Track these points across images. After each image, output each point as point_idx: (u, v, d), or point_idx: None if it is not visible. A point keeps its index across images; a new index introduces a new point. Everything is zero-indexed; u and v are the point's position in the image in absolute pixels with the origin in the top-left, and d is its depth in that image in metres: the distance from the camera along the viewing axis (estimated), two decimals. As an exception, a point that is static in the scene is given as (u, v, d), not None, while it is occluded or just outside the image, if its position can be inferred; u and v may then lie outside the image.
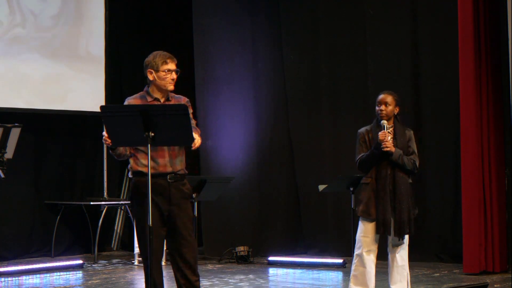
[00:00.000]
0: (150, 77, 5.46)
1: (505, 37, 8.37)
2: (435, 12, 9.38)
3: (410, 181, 6.38)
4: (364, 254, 6.34)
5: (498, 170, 8.53)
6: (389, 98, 6.35)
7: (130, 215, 10.33)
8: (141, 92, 5.53)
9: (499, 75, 8.58)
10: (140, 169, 5.42)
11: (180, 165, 5.47)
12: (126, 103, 5.49)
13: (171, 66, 5.44)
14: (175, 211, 5.42)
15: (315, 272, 9.03)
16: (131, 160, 5.47)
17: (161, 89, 5.47)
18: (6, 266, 8.99)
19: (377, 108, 6.37)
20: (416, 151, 6.43)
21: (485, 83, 8.47)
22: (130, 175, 5.53)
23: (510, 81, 8.24)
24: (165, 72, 5.42)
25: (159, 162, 5.36)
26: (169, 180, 5.40)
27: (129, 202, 10.23)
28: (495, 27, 8.56)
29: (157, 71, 5.43)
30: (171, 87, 5.46)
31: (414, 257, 8.81)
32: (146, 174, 5.32)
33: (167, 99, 5.51)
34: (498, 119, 8.55)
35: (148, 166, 5.07)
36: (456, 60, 8.56)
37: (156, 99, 5.46)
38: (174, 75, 5.45)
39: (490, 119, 8.50)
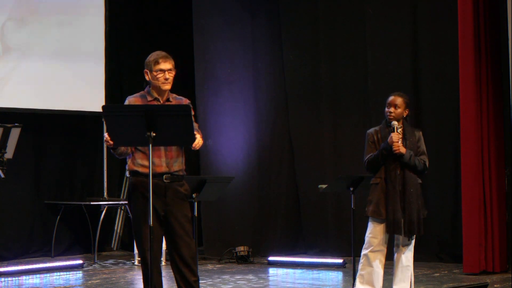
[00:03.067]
0: (147, 78, 5.51)
1: (505, 37, 8.36)
2: (435, 12, 9.38)
3: (420, 181, 6.38)
4: (372, 254, 6.33)
5: (498, 170, 8.53)
6: (399, 100, 6.34)
7: (130, 214, 10.33)
8: (142, 92, 5.56)
9: (499, 75, 8.58)
10: (136, 168, 5.43)
11: (177, 166, 5.47)
12: (127, 102, 5.51)
13: (163, 66, 5.45)
14: (171, 212, 5.42)
15: (315, 272, 9.03)
16: (128, 160, 5.49)
17: (159, 89, 5.48)
18: (6, 266, 8.99)
19: (386, 109, 6.35)
20: (425, 151, 6.43)
21: (485, 83, 8.47)
22: (127, 175, 5.55)
23: (510, 81, 8.24)
24: (157, 72, 5.44)
25: (155, 162, 5.35)
26: (165, 181, 5.40)
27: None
28: (495, 27, 8.56)
29: (151, 71, 5.47)
30: (165, 86, 5.47)
31: (414, 257, 8.81)
32: (142, 174, 5.37)
33: (168, 100, 5.52)
34: (498, 119, 8.55)
35: (149, 167, 5.08)
36: (456, 60, 8.56)
37: (156, 99, 5.49)
38: (167, 75, 5.45)
39: (490, 119, 8.50)
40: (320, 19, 10.24)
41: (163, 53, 5.51)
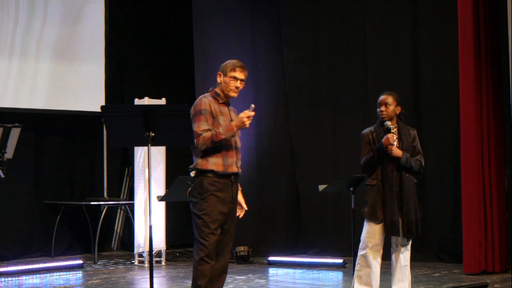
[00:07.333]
0: (218, 80, 5.69)
1: (505, 37, 8.36)
2: (435, 12, 9.38)
3: (415, 181, 6.37)
4: (370, 254, 6.31)
5: (498, 170, 8.53)
6: (390, 99, 6.33)
7: (130, 214, 10.33)
8: (210, 93, 5.70)
9: (499, 75, 8.58)
10: (210, 167, 5.51)
11: (240, 165, 5.76)
12: (203, 102, 5.56)
13: (238, 74, 5.65)
14: (234, 209, 5.70)
15: (315, 272, 9.03)
16: (198, 158, 5.53)
17: (226, 94, 5.64)
18: (6, 266, 8.99)
19: (378, 109, 6.35)
20: (421, 150, 6.42)
21: (485, 83, 8.47)
22: (194, 174, 5.55)
23: (510, 81, 8.24)
24: (230, 78, 5.62)
25: (228, 161, 5.59)
26: (232, 180, 5.62)
27: (131, 202, 10.25)
28: (495, 27, 8.56)
29: (224, 75, 5.66)
30: (233, 94, 5.67)
31: (414, 257, 8.76)
32: (216, 173, 5.50)
33: (228, 103, 5.73)
34: (498, 119, 8.55)
35: (149, 166, 5.09)
36: (456, 60, 8.56)
37: (224, 102, 5.67)
38: (238, 84, 5.65)
39: (490, 119, 8.49)
40: (320, 19, 10.24)
41: (243, 64, 5.70)
